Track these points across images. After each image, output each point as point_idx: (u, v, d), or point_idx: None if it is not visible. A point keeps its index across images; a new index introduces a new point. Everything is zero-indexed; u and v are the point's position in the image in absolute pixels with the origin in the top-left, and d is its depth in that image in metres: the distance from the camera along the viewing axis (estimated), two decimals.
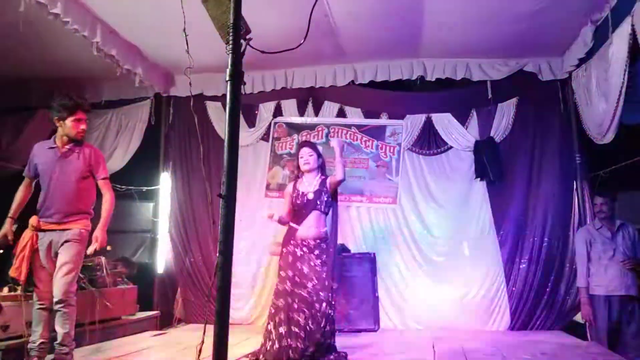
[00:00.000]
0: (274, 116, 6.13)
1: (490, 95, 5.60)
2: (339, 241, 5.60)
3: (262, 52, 1.93)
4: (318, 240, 3.73)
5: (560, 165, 5.38)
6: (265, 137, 6.12)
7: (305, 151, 3.96)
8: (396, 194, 5.76)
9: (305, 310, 3.53)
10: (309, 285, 3.60)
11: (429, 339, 4.58)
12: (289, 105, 6.13)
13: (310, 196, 3.80)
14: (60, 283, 3.31)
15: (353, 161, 5.89)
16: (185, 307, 5.99)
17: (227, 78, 1.75)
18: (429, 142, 5.83)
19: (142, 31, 4.98)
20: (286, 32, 4.03)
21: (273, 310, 3.62)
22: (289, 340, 3.46)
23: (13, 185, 5.90)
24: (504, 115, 5.58)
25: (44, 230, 3.45)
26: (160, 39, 5.01)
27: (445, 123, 5.74)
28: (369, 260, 5.32)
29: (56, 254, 3.42)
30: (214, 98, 6.10)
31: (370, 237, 5.75)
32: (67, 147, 3.58)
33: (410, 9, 4.54)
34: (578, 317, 4.90)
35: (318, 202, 3.79)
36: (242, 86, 1.82)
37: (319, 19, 4.46)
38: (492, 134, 5.56)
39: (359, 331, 5.09)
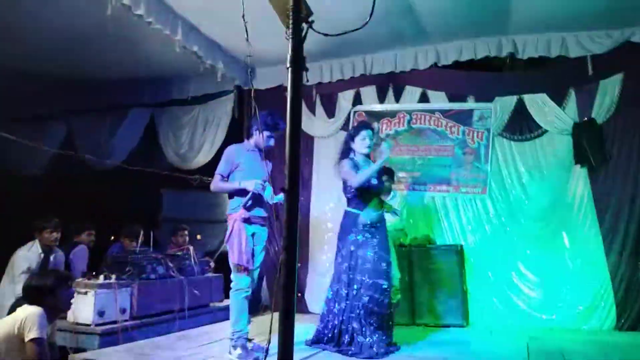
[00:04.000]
0: (354, 105, 5.98)
1: (590, 72, 5.01)
2: (424, 232, 5.45)
3: (325, 34, 1.81)
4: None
5: None
6: (345, 127, 5.99)
7: (369, 134, 3.90)
8: (486, 182, 5.41)
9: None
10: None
11: (523, 338, 4.26)
12: (369, 93, 5.95)
13: (374, 182, 3.82)
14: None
15: (437, 149, 5.63)
16: (271, 295, 6.09)
17: (288, 65, 1.66)
18: (521, 126, 5.38)
19: (221, 26, 5.05)
20: (361, 16, 3.90)
21: None
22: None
23: (105, 180, 6.36)
24: (607, 94, 4.98)
25: (251, 223, 3.67)
26: (239, 32, 5.04)
27: (539, 104, 5.27)
28: (456, 252, 5.06)
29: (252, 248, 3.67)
30: None
31: (458, 229, 5.47)
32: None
33: None
34: None
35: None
36: (304, 73, 1.73)
37: None
38: (593, 115, 5.00)
39: (447, 326, 4.87)
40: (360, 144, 3.88)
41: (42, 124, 7.06)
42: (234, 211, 3.62)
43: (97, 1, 4.07)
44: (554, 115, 5.19)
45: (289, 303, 1.56)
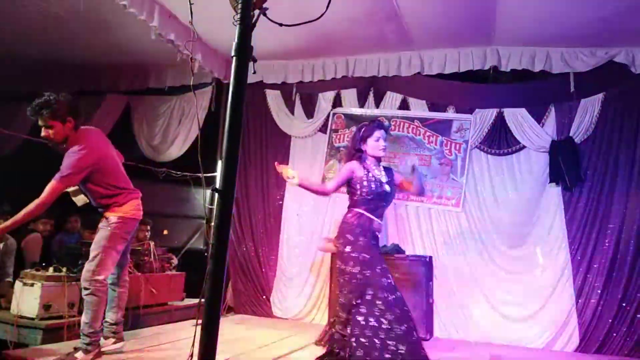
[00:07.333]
0: (333, 107, 5.86)
1: (572, 89, 4.95)
2: (393, 241, 5.34)
3: (280, 24, 1.68)
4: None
5: None
6: (323, 129, 5.89)
7: (383, 134, 3.45)
8: (460, 195, 5.31)
9: None
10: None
11: (485, 355, 4.17)
12: (349, 95, 5.83)
13: (387, 188, 3.37)
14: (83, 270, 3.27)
15: (414, 157, 5.51)
16: (235, 296, 5.94)
17: (233, 53, 1.53)
18: (499, 140, 5.28)
19: (202, 16, 4.88)
20: (350, 17, 3.78)
21: None
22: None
23: None
24: (587, 113, 4.92)
25: None
26: (220, 24, 4.89)
27: (518, 119, 5.18)
28: (424, 263, 4.93)
29: None
30: (273, 86, 5.97)
31: (430, 240, 5.36)
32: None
33: None
34: None
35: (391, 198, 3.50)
36: (252, 64, 1.60)
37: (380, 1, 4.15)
38: (571, 134, 4.95)
39: None
40: (374, 145, 3.41)
41: (18, 105, 6.82)
42: None
43: None
44: (532, 131, 5.11)
45: (212, 319, 1.42)
